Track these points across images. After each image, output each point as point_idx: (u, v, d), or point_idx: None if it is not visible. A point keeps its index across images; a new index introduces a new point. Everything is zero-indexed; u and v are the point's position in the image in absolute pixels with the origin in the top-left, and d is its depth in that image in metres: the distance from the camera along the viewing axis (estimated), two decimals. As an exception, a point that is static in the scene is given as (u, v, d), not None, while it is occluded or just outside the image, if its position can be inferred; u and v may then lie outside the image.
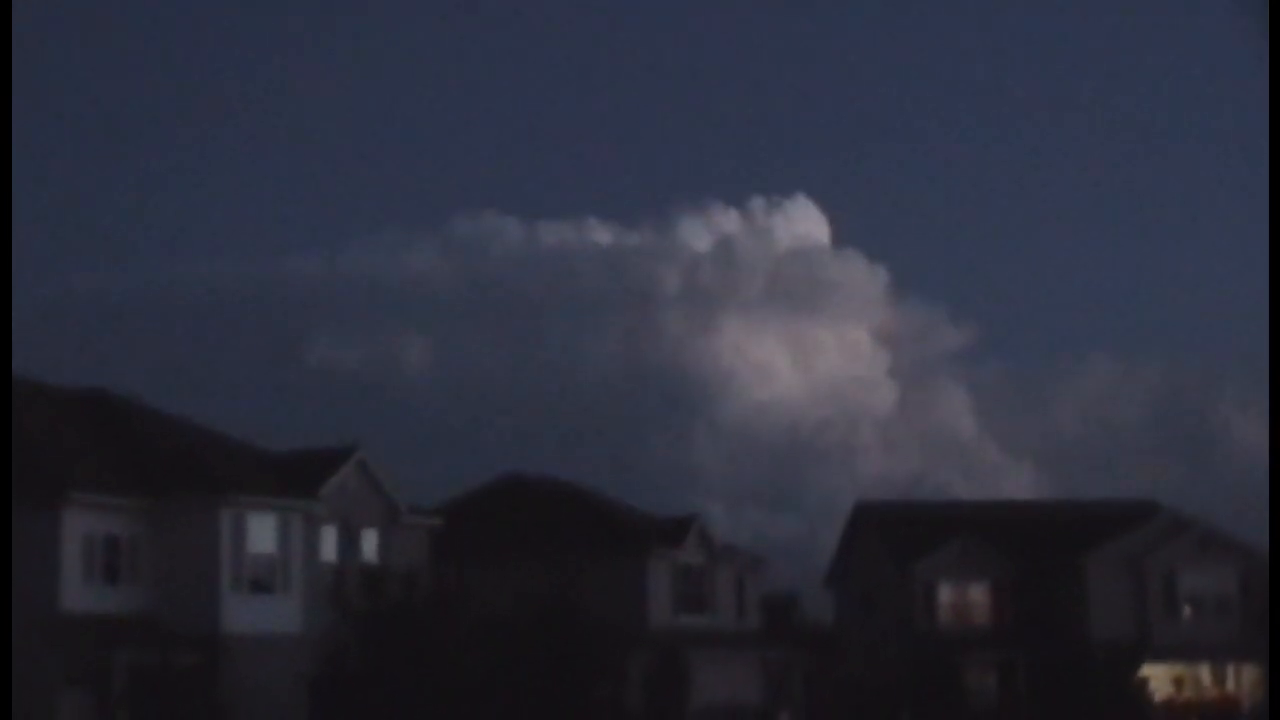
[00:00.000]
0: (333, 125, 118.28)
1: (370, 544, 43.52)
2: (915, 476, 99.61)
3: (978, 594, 65.01)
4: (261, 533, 40.39)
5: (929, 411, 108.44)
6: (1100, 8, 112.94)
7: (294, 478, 42.01)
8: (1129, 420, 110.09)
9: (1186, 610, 63.30)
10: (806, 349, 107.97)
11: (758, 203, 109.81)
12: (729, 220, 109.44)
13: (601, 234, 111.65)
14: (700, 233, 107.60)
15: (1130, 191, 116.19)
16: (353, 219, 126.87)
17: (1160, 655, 61.73)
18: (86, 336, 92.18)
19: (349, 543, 42.91)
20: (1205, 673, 63.12)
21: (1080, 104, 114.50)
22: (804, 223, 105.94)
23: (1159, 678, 61.90)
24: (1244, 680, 62.62)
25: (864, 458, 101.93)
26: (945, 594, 64.72)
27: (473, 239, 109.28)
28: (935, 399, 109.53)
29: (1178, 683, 62.35)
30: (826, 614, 71.75)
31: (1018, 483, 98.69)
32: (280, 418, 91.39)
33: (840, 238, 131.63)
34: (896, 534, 65.81)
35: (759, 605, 61.03)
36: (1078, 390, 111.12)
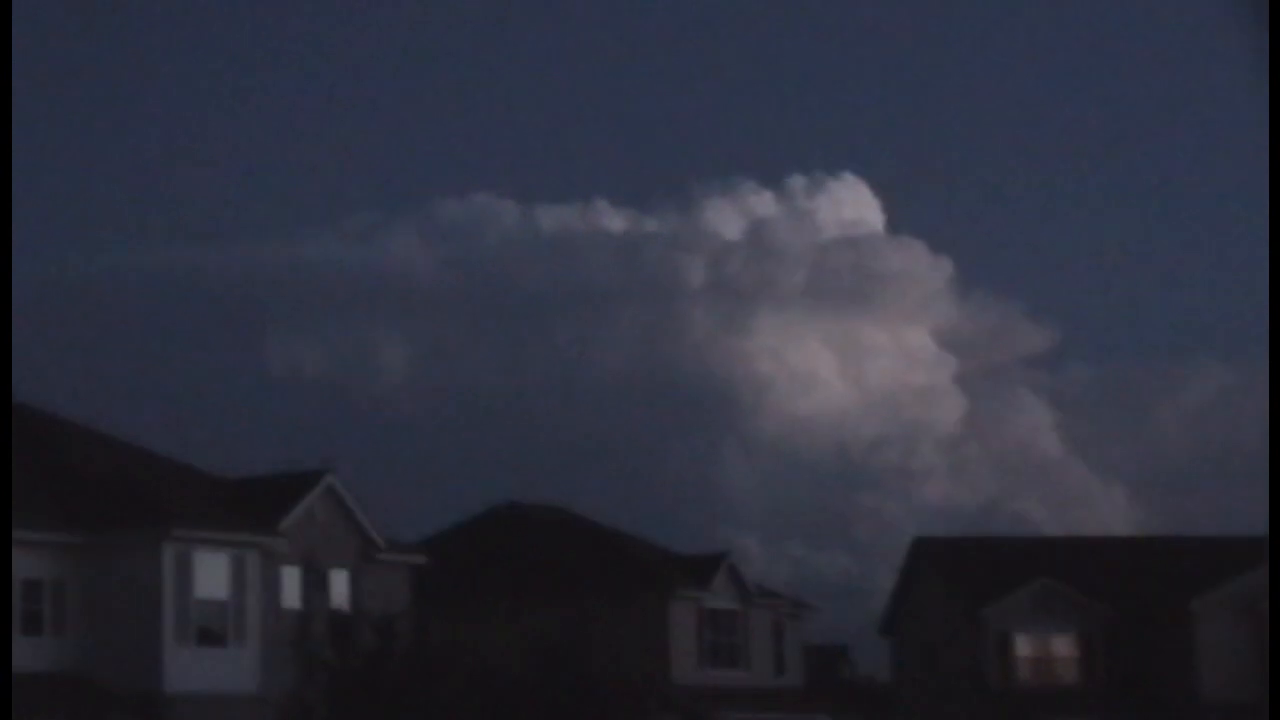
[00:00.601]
0: (300, 95, 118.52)
1: (340, 586, 43.62)
2: (987, 505, 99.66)
3: (1062, 646, 64.92)
4: (211, 574, 40.43)
5: (1003, 427, 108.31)
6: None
7: (250, 508, 42.13)
8: (1244, 438, 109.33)
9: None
10: (856, 353, 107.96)
11: (797, 181, 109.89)
12: (763, 202, 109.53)
13: (613, 219, 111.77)
14: (730, 217, 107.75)
15: (1244, 166, 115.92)
16: (321, 200, 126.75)
17: (1282, 718, 61.58)
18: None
19: (315, 585, 42.99)
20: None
21: (1180, 74, 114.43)
22: (853, 205, 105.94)
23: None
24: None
25: (925, 483, 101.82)
26: (1022, 646, 64.64)
27: (461, 223, 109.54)
28: (1010, 412, 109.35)
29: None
30: (881, 669, 71.69)
31: (1110, 513, 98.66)
32: (235, 435, 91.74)
33: (896, 223, 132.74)
34: (964, 574, 65.74)
35: (801, 658, 61.12)
36: (1182, 402, 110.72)
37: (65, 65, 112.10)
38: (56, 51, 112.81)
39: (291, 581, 42.47)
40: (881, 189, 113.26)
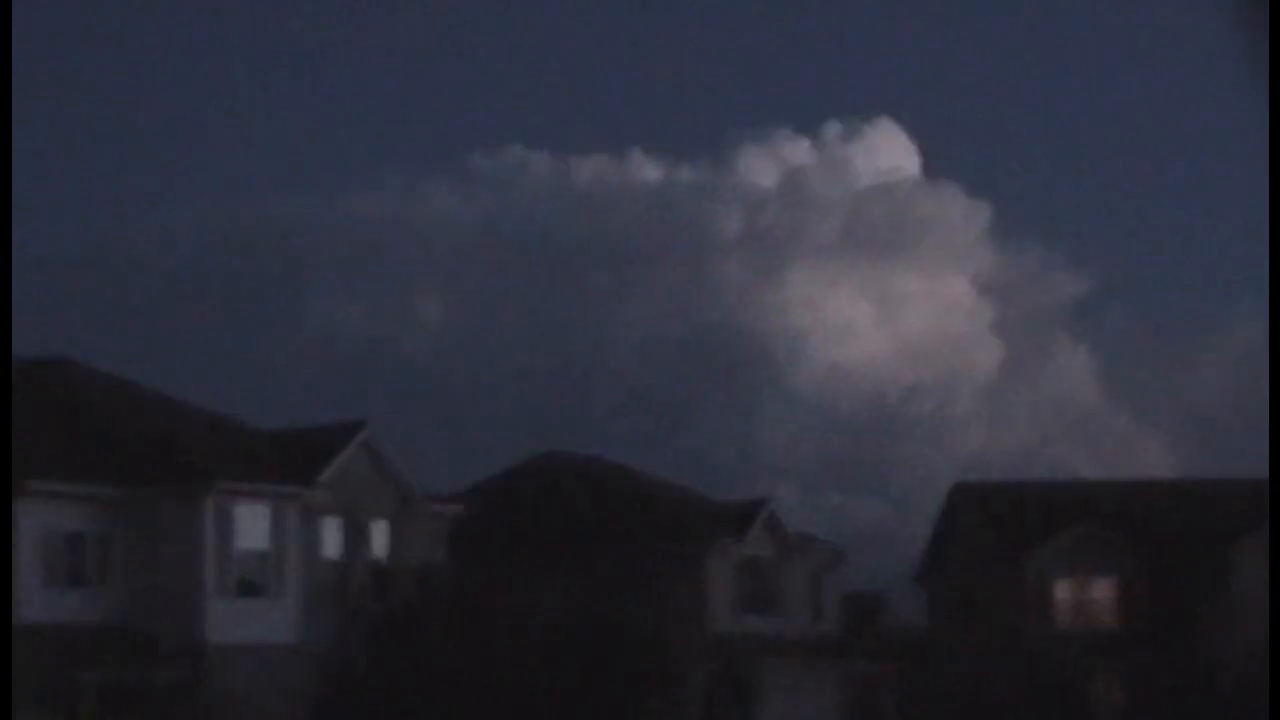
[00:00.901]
0: (332, 52, 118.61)
1: (380, 537, 43.86)
2: (1026, 452, 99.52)
3: (1102, 591, 64.96)
4: (252, 526, 40.72)
5: (1042, 374, 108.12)
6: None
7: (290, 461, 42.36)
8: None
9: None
10: (893, 302, 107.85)
11: (833, 128, 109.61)
12: (798, 150, 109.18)
13: (647, 169, 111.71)
14: (764, 165, 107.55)
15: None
16: (355, 157, 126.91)
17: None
18: (42, 298, 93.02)
19: (355, 536, 43.24)
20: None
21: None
22: (889, 151, 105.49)
23: (1321, 689, 61.85)
24: None
25: (964, 430, 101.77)
26: (1063, 591, 64.71)
27: (494, 177, 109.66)
28: (1050, 359, 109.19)
29: (1343, 694, 62.31)
30: (919, 616, 71.87)
31: (1151, 458, 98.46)
32: (273, 390, 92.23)
33: (933, 169, 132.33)
34: (1003, 520, 65.80)
35: (838, 606, 61.36)
36: (1224, 347, 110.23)
37: (113, 28, 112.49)
38: (103, 14, 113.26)
39: (331, 533, 42.70)
40: (918, 134, 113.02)
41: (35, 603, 38.10)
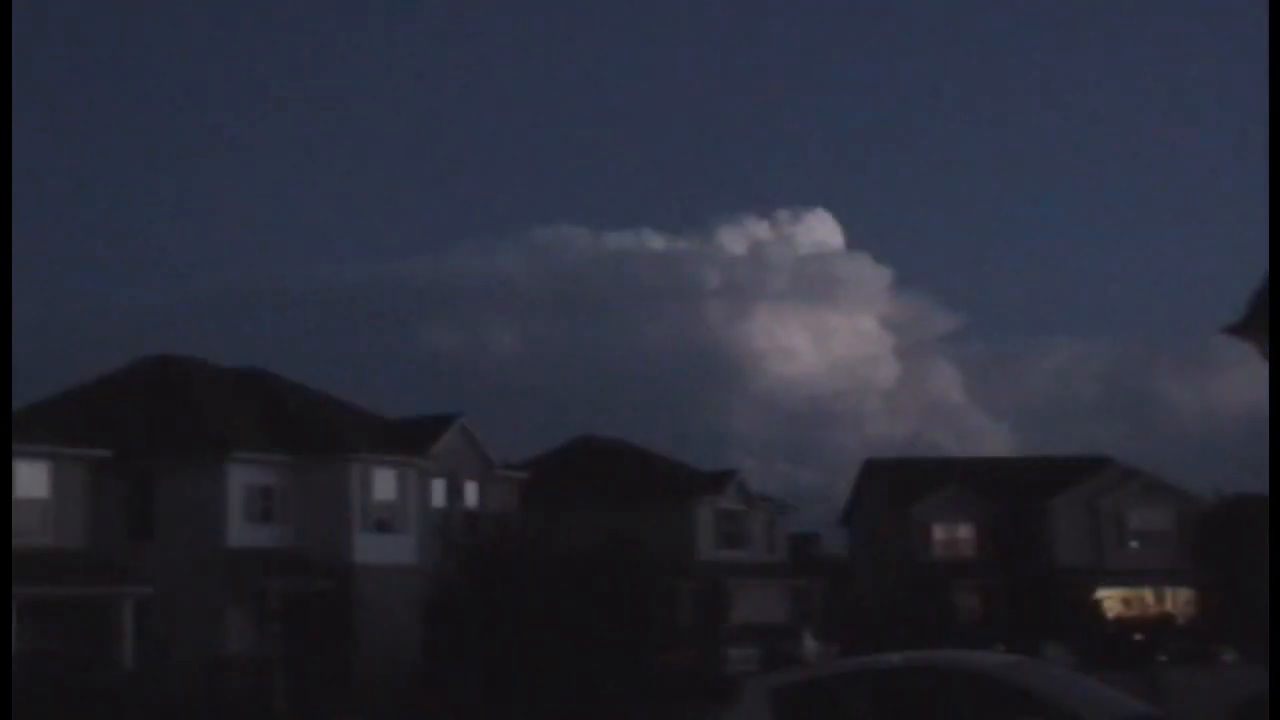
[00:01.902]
0: (440, 151, 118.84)
1: (471, 493, 43.80)
2: (913, 436, 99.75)
3: (964, 532, 65.03)
4: (384, 484, 40.61)
5: (925, 383, 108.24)
6: (1080, 17, 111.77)
7: (409, 439, 42.23)
8: (1085, 388, 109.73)
9: (1133, 544, 63.18)
10: (824, 333, 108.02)
11: (783, 214, 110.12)
12: (760, 228, 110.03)
13: (656, 241, 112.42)
14: (737, 239, 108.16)
15: (1085, 202, 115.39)
16: (454, 229, 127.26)
17: (1112, 580, 61.77)
18: (243, 326, 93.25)
19: (454, 492, 43.18)
20: (1148, 594, 63.15)
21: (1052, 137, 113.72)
22: (821, 230, 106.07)
23: (1111, 598, 61.94)
24: (1178, 600, 62.70)
25: (871, 422, 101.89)
26: (938, 532, 64.75)
27: (550, 245, 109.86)
28: (930, 373, 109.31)
29: (1126, 602, 62.40)
30: (841, 548, 71.91)
31: (997, 441, 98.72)
32: (398, 390, 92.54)
33: (852, 242, 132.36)
34: (898, 483, 65.88)
35: (786, 542, 61.37)
36: (1046, 365, 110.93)
37: (223, 100, 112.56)
38: (219, 80, 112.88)
39: (438, 490, 42.54)
40: (842, 220, 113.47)
41: (238, 534, 38.16)
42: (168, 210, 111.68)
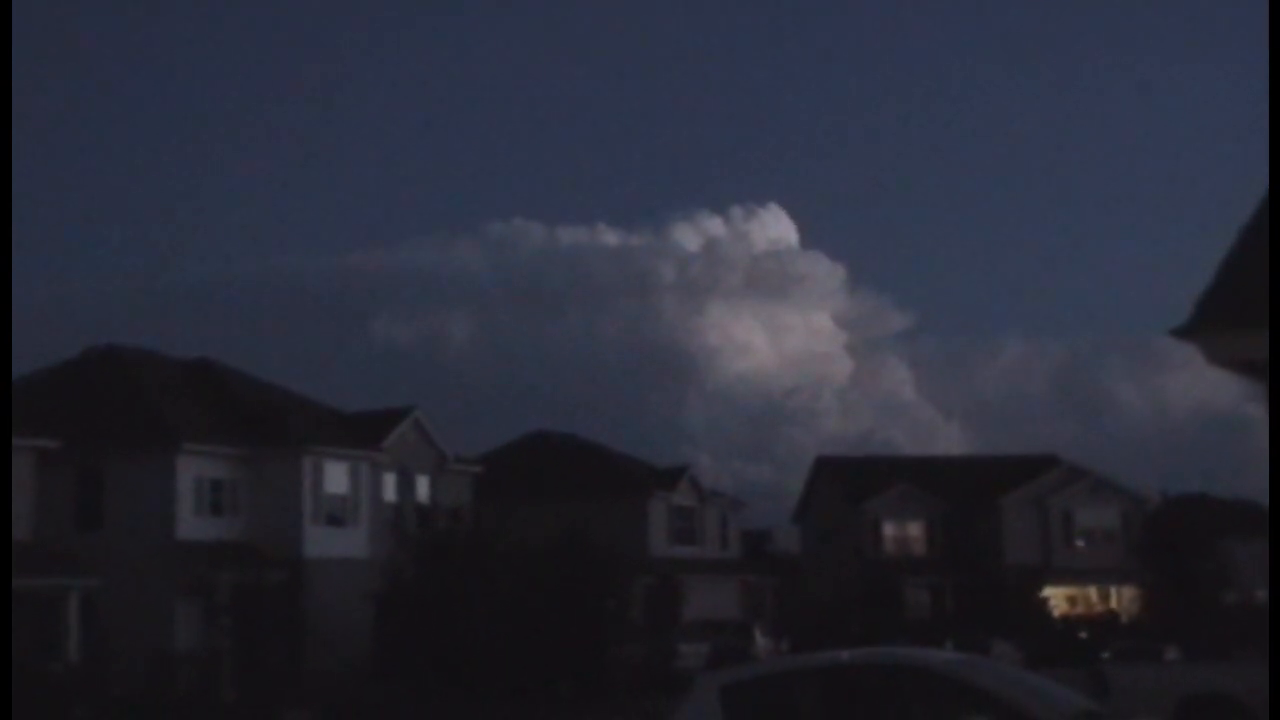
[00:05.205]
0: (393, 144, 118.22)
1: (423, 486, 43.65)
2: (865, 433, 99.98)
3: (915, 529, 65.41)
4: (336, 477, 40.51)
5: (877, 381, 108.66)
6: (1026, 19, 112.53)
7: (362, 432, 42.09)
8: (1035, 388, 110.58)
9: (1080, 542, 63.77)
10: (778, 330, 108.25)
11: (738, 211, 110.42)
12: (714, 225, 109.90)
13: (610, 236, 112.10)
14: (691, 235, 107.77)
15: (1037, 204, 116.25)
16: (409, 222, 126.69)
17: (1059, 578, 62.30)
18: (193, 317, 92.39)
19: (406, 485, 43.04)
20: (1093, 592, 63.76)
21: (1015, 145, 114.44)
22: (776, 227, 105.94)
23: (1058, 595, 62.48)
24: (1123, 598, 63.34)
25: (824, 418, 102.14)
26: (889, 529, 65.11)
27: (505, 239, 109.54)
28: (882, 371, 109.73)
29: (1071, 600, 62.97)
30: (793, 545, 72.13)
31: (947, 439, 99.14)
32: (350, 383, 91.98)
33: (807, 240, 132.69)
34: (850, 480, 66.15)
35: (739, 538, 61.47)
36: (996, 366, 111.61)
37: (238, 106, 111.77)
38: (221, 79, 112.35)
39: (390, 483, 42.40)
40: (796, 216, 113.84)
41: (188, 526, 37.97)
42: (117, 200, 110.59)
